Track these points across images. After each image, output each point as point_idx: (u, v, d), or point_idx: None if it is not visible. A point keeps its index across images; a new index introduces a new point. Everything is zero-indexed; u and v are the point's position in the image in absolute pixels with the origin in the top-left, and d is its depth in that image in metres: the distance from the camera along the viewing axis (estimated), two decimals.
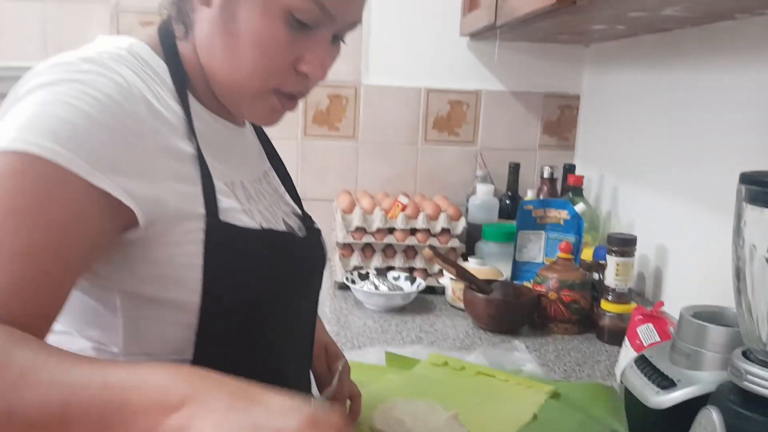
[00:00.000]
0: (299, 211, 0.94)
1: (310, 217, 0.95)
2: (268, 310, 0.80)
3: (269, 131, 0.96)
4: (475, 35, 1.97)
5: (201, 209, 0.72)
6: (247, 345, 0.79)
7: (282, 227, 0.85)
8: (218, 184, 0.75)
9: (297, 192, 0.97)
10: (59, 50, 2.17)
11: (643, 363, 1.02)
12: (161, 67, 0.76)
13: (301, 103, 0.85)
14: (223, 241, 0.73)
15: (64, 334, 0.75)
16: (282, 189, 0.95)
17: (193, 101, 0.79)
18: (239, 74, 0.76)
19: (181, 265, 0.72)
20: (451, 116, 2.14)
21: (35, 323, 0.61)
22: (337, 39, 0.80)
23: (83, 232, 0.65)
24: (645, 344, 1.22)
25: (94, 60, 0.69)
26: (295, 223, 0.90)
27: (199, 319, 0.73)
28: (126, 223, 0.68)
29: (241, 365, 0.68)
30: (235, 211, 0.76)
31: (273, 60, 0.75)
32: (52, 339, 0.65)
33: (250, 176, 0.86)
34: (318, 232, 0.93)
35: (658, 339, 1.22)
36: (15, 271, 0.60)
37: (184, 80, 0.78)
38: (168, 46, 0.78)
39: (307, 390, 0.96)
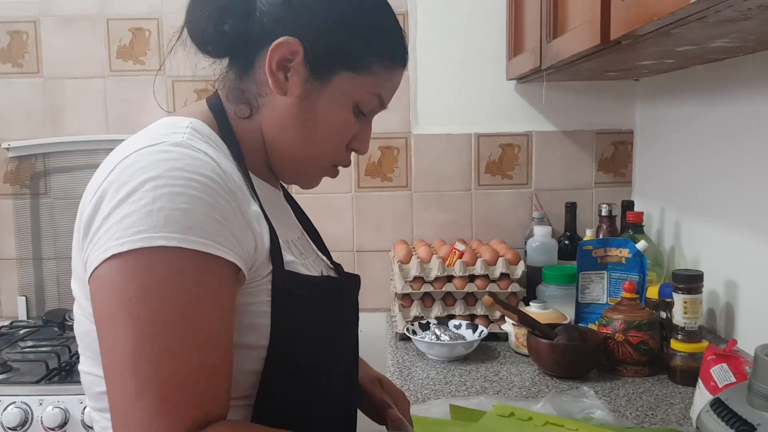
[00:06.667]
0: (331, 264, 1.03)
1: (341, 265, 1.04)
2: (325, 348, 0.88)
3: (326, 184, 1.03)
4: (522, 78, 1.97)
5: (269, 262, 0.80)
6: (305, 382, 0.85)
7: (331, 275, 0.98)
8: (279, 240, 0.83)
9: (326, 247, 1.06)
10: (120, 123, 2.24)
11: (719, 406, 0.98)
12: (219, 141, 0.85)
13: (353, 157, 0.94)
14: (288, 288, 0.81)
15: None
16: (315, 247, 1.03)
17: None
18: (312, 154, 0.89)
19: (255, 313, 0.79)
20: (503, 159, 2.13)
21: (227, 402, 0.73)
22: None
23: (230, 304, 0.75)
24: (720, 386, 1.16)
25: (181, 144, 0.76)
26: (333, 273, 1.00)
27: (265, 362, 0.80)
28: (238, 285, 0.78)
29: (299, 404, 0.83)
30: (296, 263, 0.85)
31: (339, 142, 0.90)
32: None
33: (293, 235, 0.94)
34: (356, 276, 1.02)
35: (733, 379, 1.16)
36: (209, 361, 0.71)
37: (240, 151, 0.86)
38: (222, 123, 0.88)
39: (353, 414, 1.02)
